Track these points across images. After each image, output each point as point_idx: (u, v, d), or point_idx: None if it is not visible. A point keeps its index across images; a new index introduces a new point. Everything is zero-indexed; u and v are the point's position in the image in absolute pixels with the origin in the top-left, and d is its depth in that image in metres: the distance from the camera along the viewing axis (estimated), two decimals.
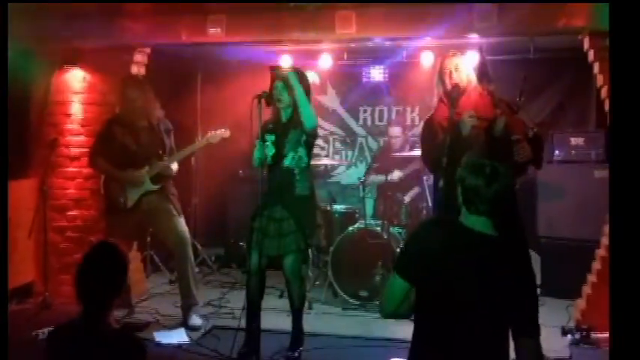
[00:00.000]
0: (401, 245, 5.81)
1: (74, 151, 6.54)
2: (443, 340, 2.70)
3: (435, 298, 2.71)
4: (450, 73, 4.47)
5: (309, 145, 4.87)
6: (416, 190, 6.96)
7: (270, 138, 4.80)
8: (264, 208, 4.77)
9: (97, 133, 5.93)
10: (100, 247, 2.89)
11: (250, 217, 4.92)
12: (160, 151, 5.64)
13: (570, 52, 6.52)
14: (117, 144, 5.61)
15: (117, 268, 2.77)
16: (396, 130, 7.38)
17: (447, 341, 2.69)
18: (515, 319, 2.68)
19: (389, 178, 6.71)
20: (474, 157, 2.94)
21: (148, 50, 6.58)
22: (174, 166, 5.73)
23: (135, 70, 6.45)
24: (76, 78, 6.55)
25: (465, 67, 4.53)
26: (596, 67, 5.56)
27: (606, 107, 5.54)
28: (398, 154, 6.99)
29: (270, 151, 4.79)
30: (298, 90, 4.66)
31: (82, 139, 6.53)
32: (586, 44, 5.59)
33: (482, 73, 4.52)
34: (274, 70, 4.90)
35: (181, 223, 5.73)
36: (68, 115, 6.56)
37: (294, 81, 4.66)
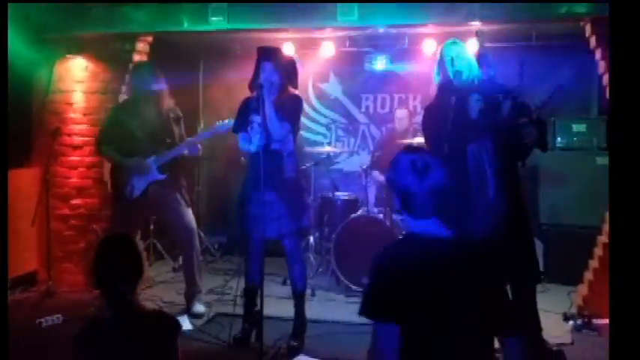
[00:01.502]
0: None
1: (77, 139, 6.55)
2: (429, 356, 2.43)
3: (421, 323, 2.41)
4: (452, 60, 4.46)
5: (296, 129, 4.86)
6: None
7: (257, 119, 4.67)
8: (253, 193, 4.67)
9: (104, 120, 5.92)
10: (112, 237, 2.94)
11: (237, 202, 4.87)
12: (169, 140, 5.59)
13: (572, 38, 6.50)
14: (124, 131, 5.57)
15: (133, 252, 2.81)
16: (401, 113, 7.39)
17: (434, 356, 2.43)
18: (490, 319, 2.44)
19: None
20: (401, 155, 2.57)
21: (150, 39, 6.58)
22: (186, 152, 5.66)
23: (137, 58, 6.44)
24: (78, 67, 6.56)
25: (466, 54, 4.53)
26: (598, 54, 5.55)
27: (608, 94, 5.54)
28: (402, 140, 7.00)
29: (256, 133, 4.69)
30: (268, 109, 4.58)
31: (84, 128, 6.54)
32: (588, 31, 5.58)
33: (483, 59, 4.52)
34: (265, 51, 4.80)
35: (189, 213, 5.71)
36: (70, 104, 6.57)
37: (265, 97, 4.56)
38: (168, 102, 5.71)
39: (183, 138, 5.70)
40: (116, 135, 5.62)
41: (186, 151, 5.66)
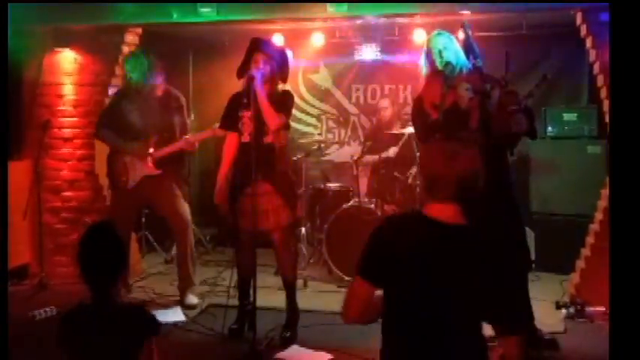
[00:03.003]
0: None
1: (67, 132, 6.53)
2: (416, 340, 2.49)
3: (405, 297, 2.50)
4: (440, 51, 4.47)
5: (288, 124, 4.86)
6: (412, 169, 7.00)
7: (247, 114, 4.68)
8: (244, 186, 4.66)
9: (104, 107, 5.89)
10: (96, 226, 2.91)
11: (228, 194, 4.86)
12: (167, 134, 5.56)
13: (562, 27, 6.52)
14: (123, 120, 5.54)
15: (116, 243, 2.79)
16: (384, 103, 7.45)
17: (421, 340, 2.48)
18: (491, 315, 2.50)
19: (384, 155, 6.75)
20: (437, 142, 2.80)
21: (139, 31, 6.56)
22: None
23: (126, 50, 6.41)
24: (67, 59, 6.53)
25: (453, 44, 4.54)
26: (588, 42, 5.56)
27: (599, 83, 5.55)
28: (389, 131, 7.02)
29: (248, 127, 4.70)
30: (262, 100, 4.57)
31: (75, 120, 6.53)
32: (578, 19, 5.58)
33: (469, 49, 4.53)
34: (257, 42, 4.79)
35: (184, 204, 5.71)
36: (60, 97, 6.55)
37: (258, 88, 4.55)
38: (168, 89, 5.67)
39: (185, 126, 5.69)
40: (115, 121, 5.58)
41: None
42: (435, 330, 2.47)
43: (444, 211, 2.53)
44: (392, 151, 6.93)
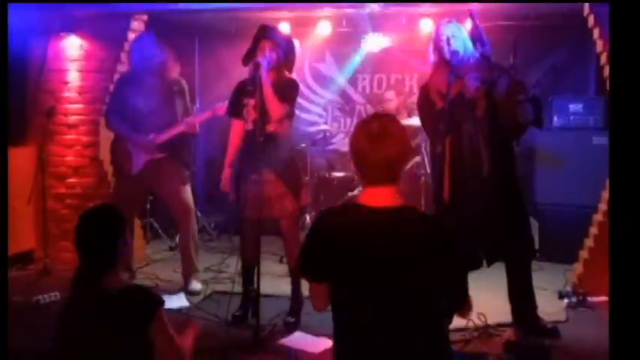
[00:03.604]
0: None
1: (72, 119, 6.53)
2: (365, 333, 2.39)
3: (348, 293, 2.40)
4: (448, 39, 4.45)
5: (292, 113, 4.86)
6: (416, 158, 7.00)
7: (251, 102, 4.67)
8: (249, 173, 4.67)
9: (110, 93, 5.90)
10: (95, 209, 2.92)
11: (233, 181, 4.88)
12: (169, 117, 5.52)
13: (570, 17, 6.49)
14: (128, 105, 5.50)
15: (113, 226, 2.78)
16: (389, 95, 7.45)
17: (370, 332, 2.38)
18: (438, 299, 2.40)
19: None
20: (362, 123, 2.53)
21: (145, 17, 6.54)
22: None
23: (132, 37, 6.40)
24: (72, 45, 6.51)
25: (461, 33, 4.52)
26: (595, 33, 5.53)
27: (605, 73, 5.53)
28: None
29: (251, 115, 4.69)
30: (267, 88, 4.55)
31: (80, 107, 6.52)
32: (586, 10, 5.56)
33: (476, 38, 4.52)
34: (265, 30, 4.77)
35: (187, 191, 5.68)
36: (65, 83, 6.54)
37: (263, 76, 4.52)
38: (175, 75, 5.63)
39: (188, 111, 5.67)
40: (121, 107, 5.54)
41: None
42: (384, 326, 2.36)
43: (377, 195, 2.42)
44: None
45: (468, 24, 4.85)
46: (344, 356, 2.47)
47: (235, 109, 4.87)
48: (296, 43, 5.17)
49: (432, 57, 4.59)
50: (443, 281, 2.38)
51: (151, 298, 2.73)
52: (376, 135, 2.39)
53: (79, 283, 2.74)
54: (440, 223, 2.51)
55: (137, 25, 6.49)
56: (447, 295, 2.44)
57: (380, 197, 2.42)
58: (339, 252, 2.38)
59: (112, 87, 6.12)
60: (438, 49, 4.50)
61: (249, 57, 4.73)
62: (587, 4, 5.51)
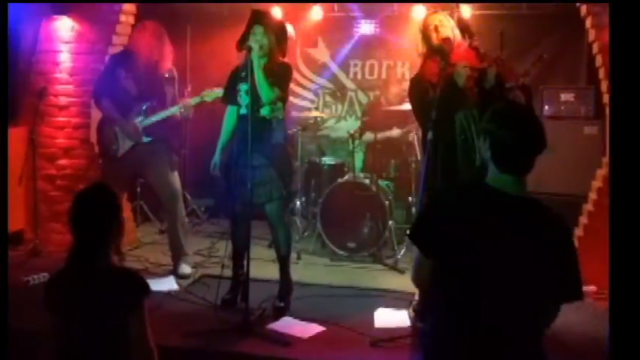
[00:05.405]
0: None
1: (63, 100, 6.50)
2: (475, 315, 2.35)
3: (465, 271, 2.35)
4: (436, 28, 4.47)
5: (285, 96, 4.87)
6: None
7: (244, 87, 4.69)
8: (239, 157, 4.69)
9: (101, 72, 5.88)
10: (91, 186, 2.91)
11: (224, 165, 4.92)
12: (157, 102, 5.53)
13: (562, 6, 6.49)
14: (119, 87, 5.49)
15: (106, 205, 2.78)
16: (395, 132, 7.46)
17: (481, 315, 2.34)
18: (557, 285, 2.41)
19: (387, 134, 6.79)
20: (503, 106, 2.58)
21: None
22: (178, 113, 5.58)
23: (124, 19, 6.38)
24: (64, 27, 6.48)
25: (449, 22, 4.54)
26: (588, 22, 5.55)
27: (597, 63, 5.55)
28: (388, 107, 7.01)
29: (245, 100, 4.69)
30: (257, 72, 4.56)
31: (71, 88, 6.49)
32: None
33: (463, 27, 4.54)
34: (257, 14, 4.79)
35: (174, 175, 5.67)
36: (57, 64, 6.50)
37: (255, 60, 4.53)
38: (168, 63, 5.63)
39: (176, 99, 5.66)
40: (112, 88, 5.53)
41: (179, 112, 5.56)
42: (496, 317, 2.33)
43: (509, 183, 2.41)
44: (395, 132, 6.94)
45: (456, 14, 4.88)
46: (449, 342, 2.42)
47: (230, 94, 4.89)
48: (289, 27, 5.17)
49: (420, 47, 4.62)
50: (562, 273, 2.41)
51: (139, 286, 2.74)
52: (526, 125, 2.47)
53: (71, 260, 2.75)
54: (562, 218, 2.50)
55: (129, 7, 6.46)
56: (564, 286, 2.45)
57: (516, 186, 2.43)
58: (475, 235, 2.32)
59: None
60: (427, 39, 4.52)
61: (242, 42, 4.72)
62: None
